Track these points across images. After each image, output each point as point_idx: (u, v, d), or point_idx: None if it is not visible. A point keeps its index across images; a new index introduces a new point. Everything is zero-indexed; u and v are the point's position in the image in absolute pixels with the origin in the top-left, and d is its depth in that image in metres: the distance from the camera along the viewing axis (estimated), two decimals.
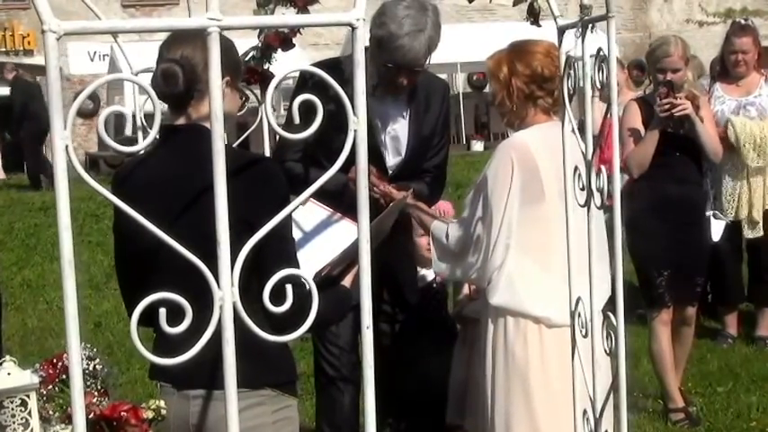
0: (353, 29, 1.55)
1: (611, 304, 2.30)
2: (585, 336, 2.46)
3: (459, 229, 3.62)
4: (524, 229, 3.41)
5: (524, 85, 3.49)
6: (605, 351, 2.31)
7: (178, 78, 2.47)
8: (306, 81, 3.54)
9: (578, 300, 2.49)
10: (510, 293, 3.42)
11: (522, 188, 3.41)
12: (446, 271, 3.74)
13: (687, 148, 5.34)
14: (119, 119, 17.49)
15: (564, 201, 2.52)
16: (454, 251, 3.63)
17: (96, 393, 2.70)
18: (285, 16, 3.30)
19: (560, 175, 2.55)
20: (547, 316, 3.38)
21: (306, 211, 3.11)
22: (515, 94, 3.51)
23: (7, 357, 2.58)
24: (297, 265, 2.46)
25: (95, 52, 23.52)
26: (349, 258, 2.85)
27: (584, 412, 2.47)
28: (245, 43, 3.61)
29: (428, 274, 4.36)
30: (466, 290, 4.38)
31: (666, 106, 5.16)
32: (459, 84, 23.37)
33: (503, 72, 3.53)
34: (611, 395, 2.33)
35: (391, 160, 4.03)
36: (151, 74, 2.57)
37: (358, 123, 1.56)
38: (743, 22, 6.63)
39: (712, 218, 6.24)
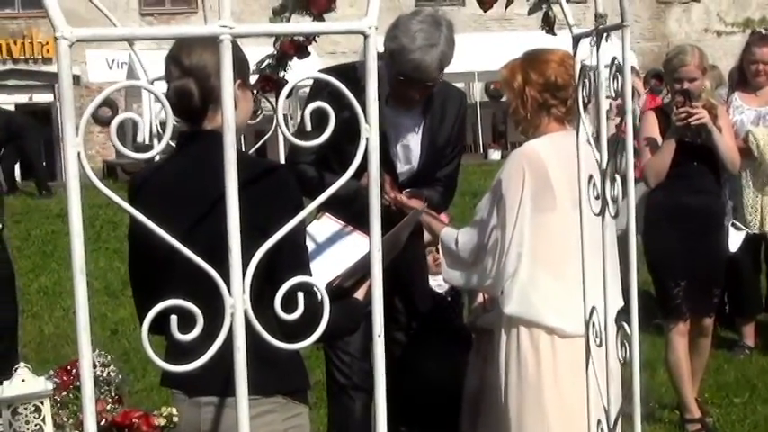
0: (366, 37, 1.55)
1: (625, 314, 2.29)
2: (600, 345, 2.45)
3: (469, 235, 3.61)
4: (536, 238, 3.40)
5: (538, 93, 3.48)
6: (619, 361, 2.30)
7: (193, 96, 2.45)
8: (321, 88, 3.53)
9: (593, 309, 2.48)
10: (523, 303, 3.41)
11: (533, 196, 3.40)
12: (459, 279, 3.71)
13: (705, 157, 5.30)
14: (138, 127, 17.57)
15: (577, 210, 2.51)
16: (466, 259, 3.62)
17: (110, 400, 2.71)
18: (297, 24, 3.29)
19: (573, 184, 2.55)
20: (560, 326, 3.36)
21: (319, 224, 3.12)
22: (529, 102, 3.50)
23: (22, 364, 2.59)
24: (309, 273, 2.45)
25: (114, 60, 23.67)
26: (361, 271, 2.84)
27: (599, 422, 2.46)
28: (261, 51, 3.62)
29: (443, 285, 4.35)
30: (480, 299, 4.36)
31: (683, 115, 5.13)
32: (477, 93, 23.40)
33: (517, 81, 3.53)
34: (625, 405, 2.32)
35: (401, 167, 4.03)
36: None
37: (370, 131, 1.56)
38: (763, 32, 6.60)
39: (731, 228, 6.21)
